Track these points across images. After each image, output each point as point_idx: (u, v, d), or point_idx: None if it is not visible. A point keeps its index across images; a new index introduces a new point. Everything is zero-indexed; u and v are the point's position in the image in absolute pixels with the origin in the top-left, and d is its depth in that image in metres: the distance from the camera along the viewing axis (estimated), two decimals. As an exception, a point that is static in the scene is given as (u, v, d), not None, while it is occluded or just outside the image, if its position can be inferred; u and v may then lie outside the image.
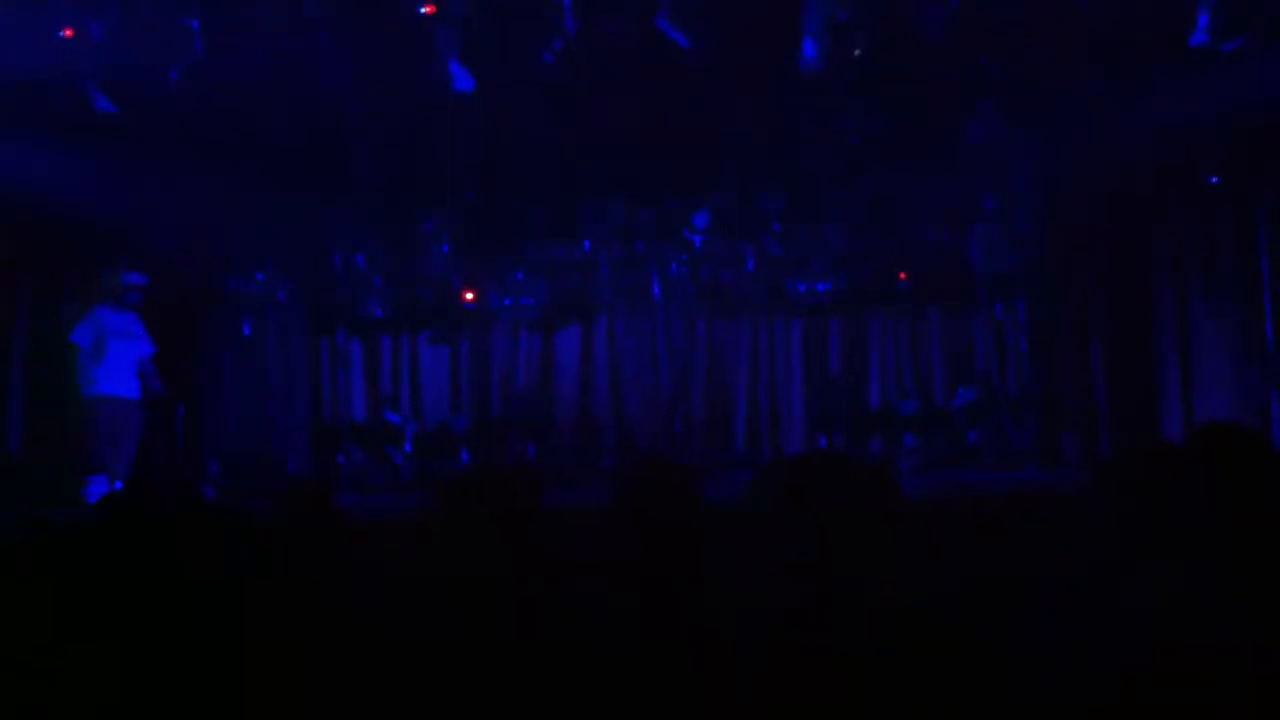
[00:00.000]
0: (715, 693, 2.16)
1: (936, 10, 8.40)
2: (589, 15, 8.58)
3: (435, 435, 10.53)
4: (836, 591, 2.24)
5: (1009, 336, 10.32)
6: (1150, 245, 9.51)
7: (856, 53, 8.58)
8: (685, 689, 2.17)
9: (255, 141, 9.44)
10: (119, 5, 8.45)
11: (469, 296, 10.58)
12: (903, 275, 10.36)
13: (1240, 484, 2.65)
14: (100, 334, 8.84)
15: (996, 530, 6.06)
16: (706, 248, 10.37)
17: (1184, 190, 9.35)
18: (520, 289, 10.54)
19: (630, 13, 8.62)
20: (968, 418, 10.10)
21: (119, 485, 8.65)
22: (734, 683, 2.17)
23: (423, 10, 8.64)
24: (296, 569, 2.65)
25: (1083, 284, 9.71)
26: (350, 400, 10.89)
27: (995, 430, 10.02)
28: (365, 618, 3.75)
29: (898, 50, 8.68)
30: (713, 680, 2.15)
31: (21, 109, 8.63)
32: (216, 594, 1.07)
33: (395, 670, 2.38)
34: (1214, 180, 9.12)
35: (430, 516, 2.75)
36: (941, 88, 9.16)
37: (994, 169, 9.85)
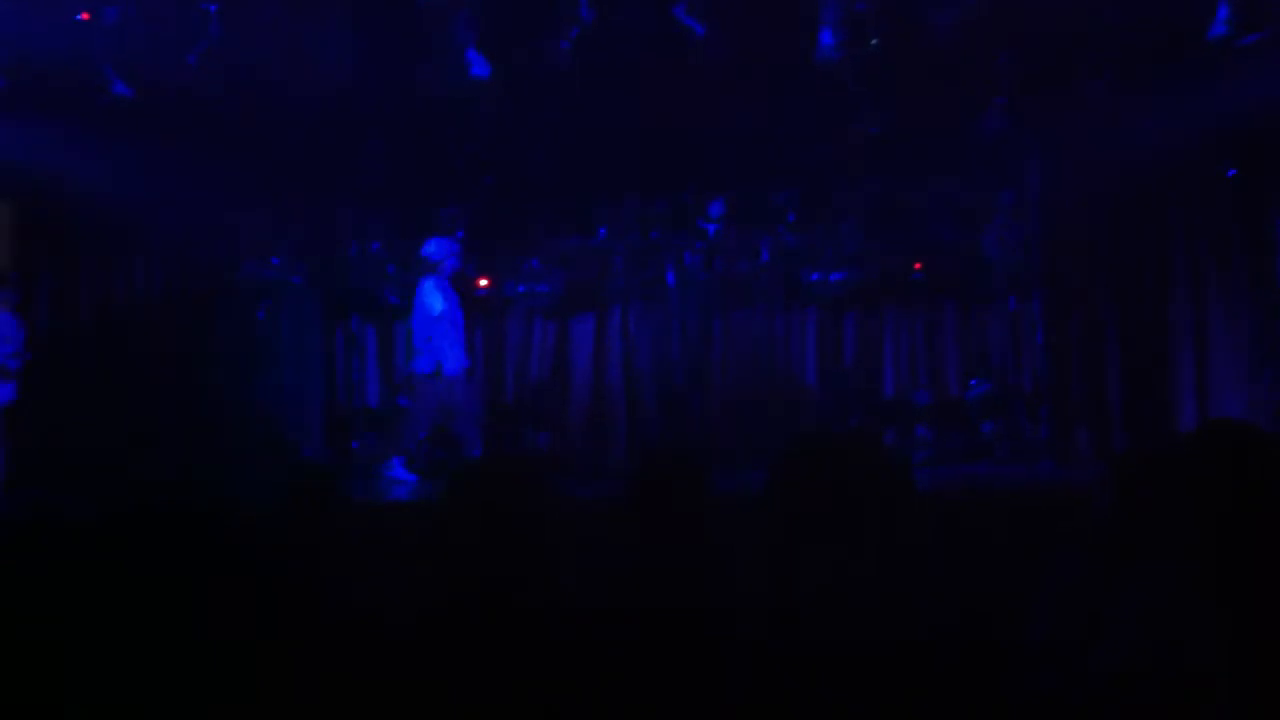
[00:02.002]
0: (716, 684, 2.16)
1: (950, 6, 8.36)
2: (606, 4, 8.56)
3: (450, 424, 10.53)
4: (843, 582, 2.23)
5: (1024, 331, 10.30)
6: (1165, 242, 9.47)
7: (873, 42, 8.54)
8: (687, 681, 2.17)
9: (271, 127, 9.43)
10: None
11: (483, 284, 10.58)
12: (918, 265, 10.34)
13: (1241, 482, 2.65)
14: (423, 309, 9.16)
15: (1007, 525, 6.05)
16: (721, 239, 10.36)
17: (1199, 187, 9.31)
18: (535, 278, 10.53)
19: (647, 2, 8.59)
20: (981, 411, 10.07)
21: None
22: (736, 675, 2.16)
23: (441, -4, 8.62)
24: (302, 559, 2.66)
25: (1097, 280, 9.66)
26: (364, 387, 10.91)
27: (1009, 424, 10.01)
28: (370, 608, 3.76)
29: (912, 45, 8.64)
30: (714, 672, 2.15)
31: (35, 94, 8.64)
32: (216, 588, 1.08)
33: (400, 661, 2.39)
34: (1231, 173, 9.07)
35: (441, 505, 2.75)
36: (955, 83, 9.11)
37: (1008, 164, 9.82)
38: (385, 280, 10.56)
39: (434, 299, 9.14)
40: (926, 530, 3.48)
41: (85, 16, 8.46)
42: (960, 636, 2.27)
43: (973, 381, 10.25)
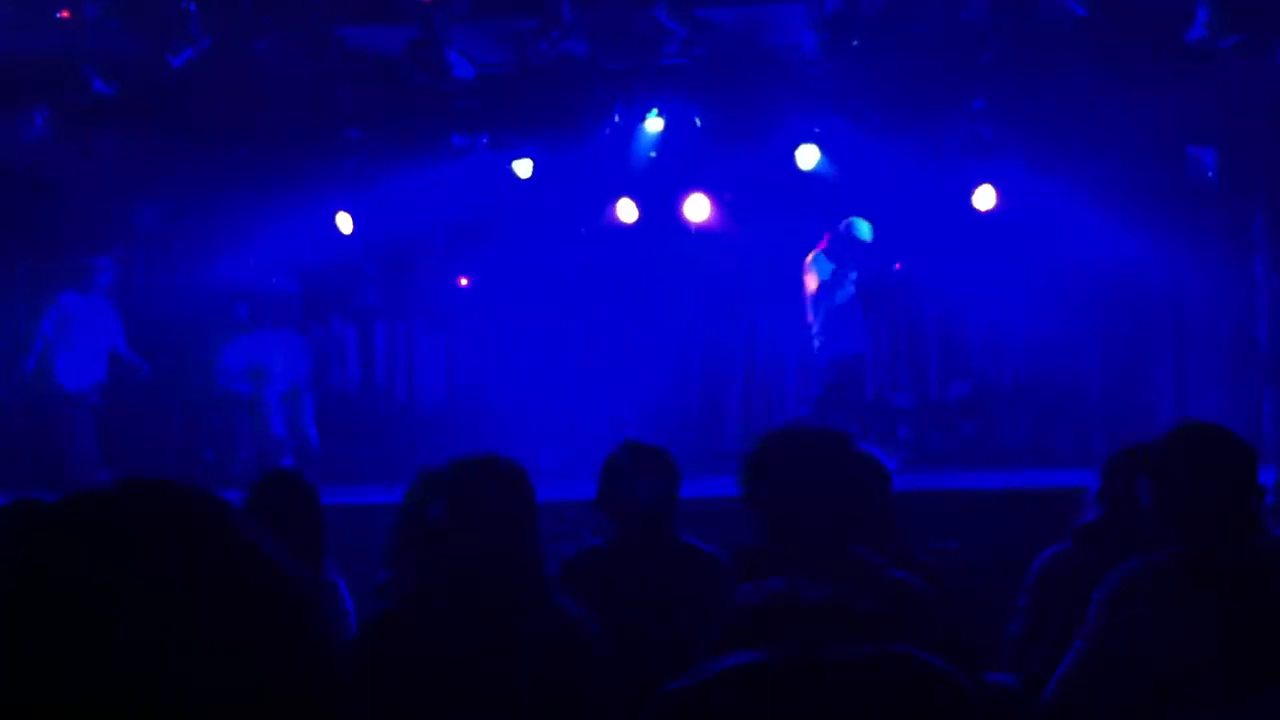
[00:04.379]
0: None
1: (934, 5, 8.38)
2: (586, 4, 8.54)
3: (430, 424, 10.48)
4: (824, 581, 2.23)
5: (1005, 331, 10.29)
6: (1144, 241, 9.49)
7: (854, 43, 8.54)
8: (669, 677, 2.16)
9: (251, 126, 9.38)
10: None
11: (464, 284, 10.54)
12: (897, 265, 10.32)
13: (1209, 481, 2.66)
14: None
15: (986, 526, 6.06)
16: (703, 237, 10.33)
17: (1179, 187, 9.33)
18: (515, 276, 10.49)
19: (628, 2, 8.57)
20: (962, 412, 10.06)
21: None
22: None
23: (423, -2, 8.59)
24: (281, 557, 2.63)
25: (1078, 281, 9.68)
26: (345, 387, 10.85)
27: (989, 425, 10.00)
28: (355, 606, 3.75)
29: (896, 43, 8.63)
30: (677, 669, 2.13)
31: (16, 88, 8.60)
32: (200, 588, 1.06)
33: (394, 662, 2.38)
34: (1211, 173, 9.09)
35: (424, 506, 2.75)
36: (937, 81, 9.11)
37: (991, 164, 9.81)
38: (365, 280, 10.50)
39: (811, 276, 8.68)
40: (907, 527, 3.49)
41: (65, 15, 8.42)
42: (943, 633, 2.27)
43: (955, 382, 10.23)
